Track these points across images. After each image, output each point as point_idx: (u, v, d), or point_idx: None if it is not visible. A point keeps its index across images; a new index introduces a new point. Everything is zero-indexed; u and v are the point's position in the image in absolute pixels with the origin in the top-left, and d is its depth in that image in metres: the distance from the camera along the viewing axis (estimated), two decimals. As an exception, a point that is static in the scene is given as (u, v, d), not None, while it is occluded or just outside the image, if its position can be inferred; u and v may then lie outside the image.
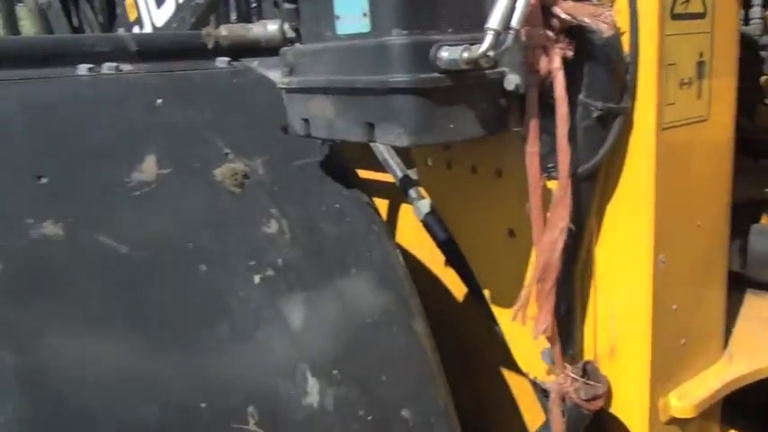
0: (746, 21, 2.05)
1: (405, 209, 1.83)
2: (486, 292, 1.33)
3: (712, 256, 1.25)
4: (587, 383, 1.14)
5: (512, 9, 0.97)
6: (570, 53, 1.06)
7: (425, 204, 1.50)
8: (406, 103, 1.00)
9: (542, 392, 1.25)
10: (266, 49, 1.30)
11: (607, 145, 1.09)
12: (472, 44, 0.98)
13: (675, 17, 1.09)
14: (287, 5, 1.17)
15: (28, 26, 3.41)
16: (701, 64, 1.16)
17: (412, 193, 1.54)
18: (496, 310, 1.32)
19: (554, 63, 1.05)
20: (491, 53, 0.97)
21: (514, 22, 0.97)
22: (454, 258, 1.44)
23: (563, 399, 1.16)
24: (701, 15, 1.14)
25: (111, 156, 1.09)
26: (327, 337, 1.08)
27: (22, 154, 1.03)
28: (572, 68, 1.06)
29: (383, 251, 1.21)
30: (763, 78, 1.88)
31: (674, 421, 1.21)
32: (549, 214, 1.08)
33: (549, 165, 1.11)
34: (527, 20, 1.02)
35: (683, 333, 1.20)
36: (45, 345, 0.86)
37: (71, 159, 1.06)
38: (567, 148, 1.04)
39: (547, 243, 1.05)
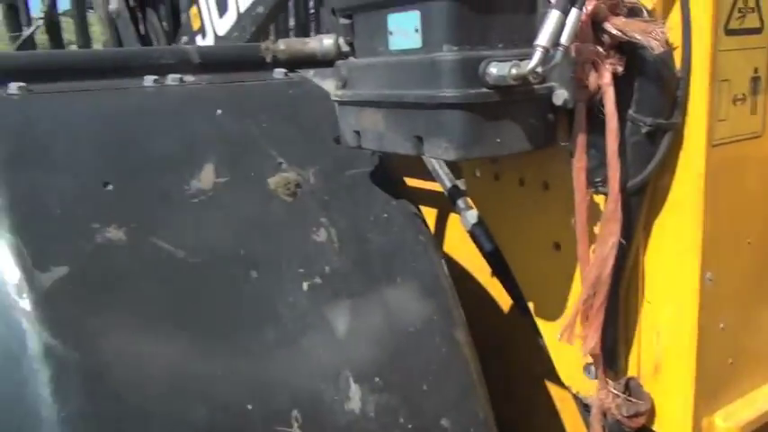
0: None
1: (454, 218, 1.85)
2: (531, 305, 1.34)
3: (763, 274, 1.23)
4: (629, 400, 1.13)
5: (561, 26, 0.98)
6: (621, 68, 1.06)
7: (473, 215, 1.51)
8: (454, 118, 1.02)
9: (584, 407, 1.25)
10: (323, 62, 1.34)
11: (656, 160, 1.09)
12: (521, 60, 0.99)
13: (730, 32, 1.08)
14: (343, 20, 1.21)
15: (98, 32, 3.56)
16: (755, 79, 1.14)
17: (460, 203, 1.55)
18: (540, 323, 1.32)
19: (604, 78, 1.06)
20: (539, 69, 0.98)
21: (564, 39, 0.98)
22: (500, 270, 1.45)
23: (604, 414, 1.16)
24: (757, 30, 1.13)
25: (172, 164, 1.14)
26: (371, 345, 1.11)
27: (91, 162, 1.10)
28: (622, 83, 1.07)
29: (428, 261, 1.24)
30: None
31: (718, 442, 1.19)
32: (599, 229, 1.08)
33: (597, 179, 1.11)
34: (577, 36, 1.03)
35: (730, 352, 1.18)
36: (106, 344, 0.92)
37: (135, 167, 1.12)
38: (617, 164, 1.04)
39: (598, 259, 1.06)
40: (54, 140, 1.10)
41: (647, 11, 1.07)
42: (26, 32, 3.28)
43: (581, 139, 1.07)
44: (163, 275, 1.01)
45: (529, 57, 0.98)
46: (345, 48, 1.23)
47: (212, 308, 1.02)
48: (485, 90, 1.01)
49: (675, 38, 1.06)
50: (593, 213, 1.12)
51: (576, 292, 1.18)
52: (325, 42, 1.25)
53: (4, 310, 0.89)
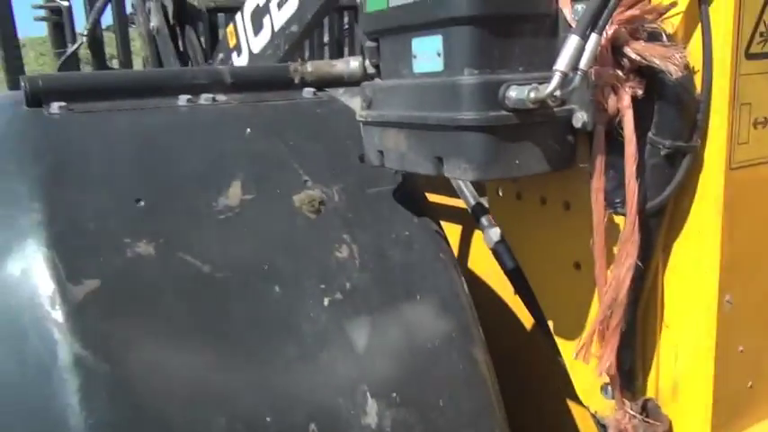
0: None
1: (478, 235, 1.86)
2: (550, 323, 1.35)
3: (785, 298, 1.22)
4: (646, 421, 1.13)
5: (580, 51, 1.00)
6: (640, 92, 1.07)
7: (496, 233, 1.53)
8: (473, 140, 1.05)
9: (602, 427, 1.25)
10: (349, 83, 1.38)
11: (675, 183, 1.10)
12: (541, 83, 1.01)
13: (751, 57, 1.08)
14: (369, 44, 1.25)
15: (139, 47, 3.66)
16: (777, 103, 1.14)
17: (484, 220, 1.57)
18: (560, 342, 1.33)
19: (623, 102, 1.07)
20: (558, 93, 1.00)
21: (582, 64, 1.00)
22: (521, 288, 1.46)
23: (622, 435, 1.16)
24: (780, 54, 1.13)
25: (201, 181, 1.19)
26: (389, 361, 1.13)
27: (125, 179, 1.15)
28: (642, 106, 1.08)
29: (448, 279, 1.26)
30: None
31: (738, 467, 1.18)
32: (616, 250, 1.09)
33: (616, 200, 1.12)
34: (596, 60, 1.05)
35: (750, 376, 1.17)
36: (133, 355, 0.96)
37: (166, 184, 1.17)
38: (635, 186, 1.05)
39: (614, 280, 1.07)
40: (90, 158, 1.15)
41: (667, 35, 1.08)
42: (70, 49, 3.40)
43: (599, 161, 1.08)
44: (189, 289, 1.05)
45: (548, 80, 1.00)
46: (371, 70, 1.26)
47: (235, 321, 1.06)
48: (504, 113, 1.03)
49: (696, 61, 1.07)
50: (612, 234, 1.13)
51: (596, 311, 1.19)
52: (351, 64, 1.29)
53: (37, 320, 0.94)
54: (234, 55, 2.50)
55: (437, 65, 1.08)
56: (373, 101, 1.23)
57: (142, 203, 1.11)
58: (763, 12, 1.08)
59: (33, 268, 0.97)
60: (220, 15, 3.39)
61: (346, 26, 4.11)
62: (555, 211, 1.29)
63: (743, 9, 1.05)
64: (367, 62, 1.26)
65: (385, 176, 1.33)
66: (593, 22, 0.99)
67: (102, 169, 1.14)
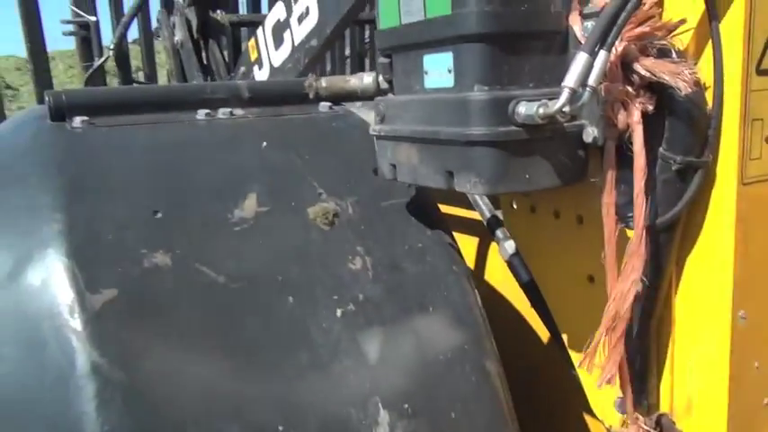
0: None
1: (494, 247, 1.87)
2: (564, 336, 1.35)
3: (801, 313, 1.21)
4: (659, 437, 1.13)
5: (589, 68, 1.01)
6: (651, 107, 1.08)
7: (511, 245, 1.54)
8: (483, 154, 1.06)
9: (615, 441, 1.25)
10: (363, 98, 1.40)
11: (686, 198, 1.10)
12: (550, 99, 1.03)
13: (762, 73, 1.09)
14: (382, 59, 1.27)
15: (164, 60, 3.74)
16: (790, 119, 1.14)
17: (499, 233, 1.58)
18: (573, 355, 1.33)
19: (632, 117, 1.08)
20: (566, 109, 1.01)
21: (591, 81, 1.01)
22: (535, 300, 1.46)
23: (634, 449, 1.16)
24: (794, 70, 1.13)
25: (217, 193, 1.21)
26: (401, 372, 1.14)
27: (143, 191, 1.18)
28: (653, 121, 1.08)
29: (461, 292, 1.27)
30: None
31: (754, 485, 1.18)
32: (623, 265, 1.09)
33: (628, 214, 1.13)
34: (606, 76, 1.06)
35: (766, 392, 1.16)
36: (148, 363, 0.99)
37: (184, 196, 1.20)
38: (643, 202, 1.05)
39: (617, 293, 1.07)
40: (110, 170, 1.19)
41: (678, 51, 1.09)
42: (96, 63, 3.48)
43: (610, 176, 1.09)
44: (204, 299, 1.07)
45: (558, 96, 1.01)
46: (384, 85, 1.28)
47: (249, 331, 1.08)
48: (514, 128, 1.04)
49: (707, 77, 1.08)
50: (624, 248, 1.13)
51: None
52: (365, 80, 1.31)
53: (56, 328, 0.97)
54: (255, 68, 2.54)
55: (448, 81, 1.09)
56: (386, 115, 1.25)
57: (159, 215, 1.14)
58: (773, 28, 1.09)
59: (53, 277, 1.00)
60: (243, 30, 3.45)
61: (367, 39, 4.16)
62: (568, 225, 1.29)
63: (753, 25, 1.05)
64: (380, 77, 1.28)
65: (399, 189, 1.34)
66: (601, 39, 1.00)
67: (122, 181, 1.17)
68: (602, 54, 1.01)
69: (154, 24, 3.87)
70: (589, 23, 1.08)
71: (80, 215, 1.09)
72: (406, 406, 1.12)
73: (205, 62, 3.23)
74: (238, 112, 1.43)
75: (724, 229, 1.09)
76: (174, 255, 1.09)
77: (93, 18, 3.57)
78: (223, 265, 1.11)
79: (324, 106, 1.52)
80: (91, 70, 3.47)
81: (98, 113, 1.30)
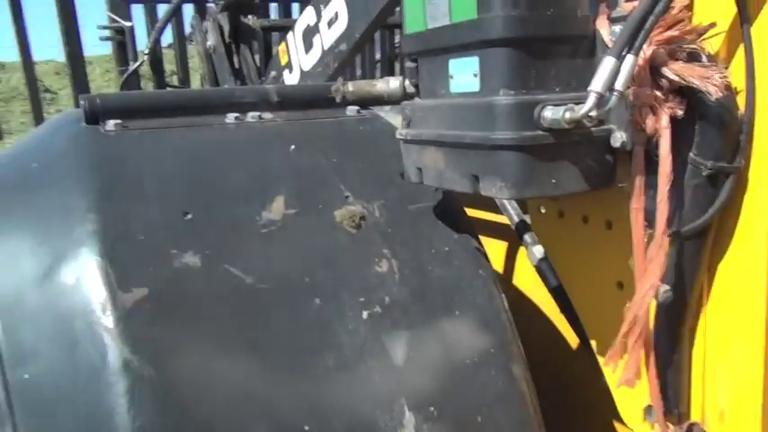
0: None
1: (523, 251, 1.86)
2: (593, 343, 1.34)
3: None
4: (690, 445, 1.12)
5: (616, 72, 1.00)
6: (680, 112, 1.07)
7: (539, 250, 1.53)
8: (508, 159, 1.06)
9: (644, 449, 1.24)
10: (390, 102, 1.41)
11: (717, 204, 1.09)
12: (577, 104, 1.02)
13: (795, 76, 1.07)
14: (409, 64, 1.28)
15: (197, 64, 3.80)
16: (826, 123, 1.11)
17: (527, 237, 1.58)
18: (602, 361, 1.32)
19: (660, 122, 1.07)
20: (593, 114, 1.00)
21: (618, 85, 1.00)
22: (564, 306, 1.46)
23: (663, 458, 1.14)
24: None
25: (246, 196, 1.23)
26: (427, 375, 1.15)
27: (174, 192, 1.20)
28: (683, 126, 1.07)
29: (488, 295, 1.26)
30: None
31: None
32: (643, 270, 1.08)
33: (657, 220, 1.12)
34: (634, 80, 1.05)
35: (800, 402, 1.14)
36: (177, 361, 1.01)
37: (213, 198, 1.22)
38: (666, 207, 1.04)
39: (636, 298, 1.06)
40: (142, 172, 1.21)
41: (708, 55, 1.08)
42: (131, 67, 3.55)
43: (638, 181, 1.08)
44: (232, 299, 1.09)
45: (585, 101, 1.01)
46: (411, 89, 1.29)
47: (276, 332, 1.09)
48: (540, 132, 1.04)
49: (739, 82, 1.06)
50: (653, 254, 1.12)
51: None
52: (392, 84, 1.32)
53: (88, 325, 0.99)
54: (285, 72, 2.57)
55: (474, 85, 1.10)
56: (412, 119, 1.25)
57: (189, 216, 1.16)
58: (807, 31, 1.07)
59: (86, 276, 1.03)
60: (274, 34, 3.49)
61: (397, 44, 4.17)
62: (597, 230, 1.28)
63: (786, 28, 1.04)
64: (407, 82, 1.29)
65: (426, 193, 1.35)
66: (629, 44, 1.00)
67: (153, 183, 1.20)
68: (629, 58, 1.00)
69: (187, 30, 3.94)
70: (617, 27, 1.07)
71: (113, 215, 1.11)
72: (432, 409, 1.12)
73: (237, 66, 3.29)
74: (267, 115, 1.45)
75: (756, 235, 1.07)
76: (204, 255, 1.11)
77: (128, 24, 3.65)
78: (251, 266, 1.13)
79: (351, 110, 1.54)
80: (126, 74, 3.55)
81: (131, 117, 1.33)
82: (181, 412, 0.98)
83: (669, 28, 1.08)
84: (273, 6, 4.36)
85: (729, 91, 1.06)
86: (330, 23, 2.21)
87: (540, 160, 1.06)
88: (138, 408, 0.95)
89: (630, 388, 1.12)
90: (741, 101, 1.07)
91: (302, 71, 2.45)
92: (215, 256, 1.12)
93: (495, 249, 1.94)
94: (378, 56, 4.31)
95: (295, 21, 2.51)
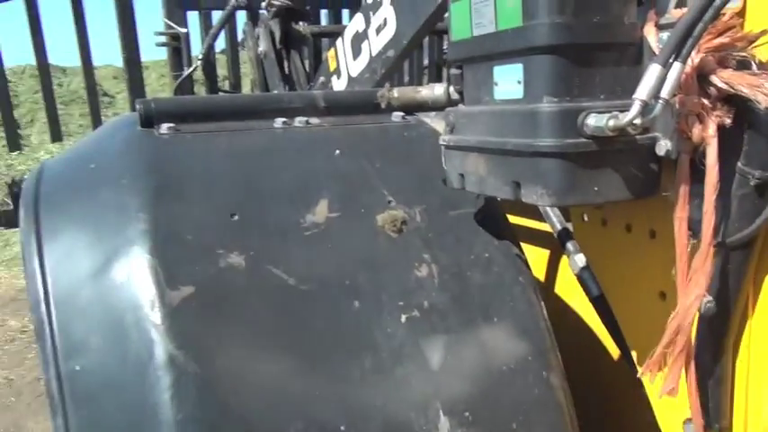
0: None
1: (565, 260, 1.85)
2: (634, 354, 1.32)
3: None
4: (728, 461, 1.09)
5: (662, 80, 0.99)
6: (728, 121, 1.05)
7: (581, 258, 1.52)
8: (550, 166, 1.06)
9: (683, 463, 1.22)
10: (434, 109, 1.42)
11: (764, 215, 1.06)
12: (621, 111, 1.02)
13: None
14: (453, 71, 1.29)
15: (248, 69, 3.89)
16: None
17: (569, 246, 1.56)
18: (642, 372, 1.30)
19: (707, 131, 1.05)
20: (637, 122, 1.00)
21: (664, 93, 0.99)
22: (605, 315, 1.44)
23: (703, 473, 1.12)
24: None
25: (291, 199, 1.26)
26: (463, 380, 1.15)
27: (222, 194, 1.24)
28: (731, 135, 1.05)
29: (527, 302, 1.26)
30: None
31: None
32: (688, 280, 1.07)
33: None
34: (681, 88, 1.04)
35: None
36: (219, 358, 1.04)
37: (259, 201, 1.25)
38: (712, 217, 1.03)
39: (681, 308, 1.05)
40: (193, 174, 1.25)
41: (759, 63, 1.06)
42: (185, 72, 3.66)
43: (683, 190, 1.07)
44: (274, 300, 1.12)
45: (629, 108, 1.00)
46: (455, 96, 1.30)
47: (316, 333, 1.11)
48: (583, 140, 1.04)
49: (792, 90, 1.04)
50: (698, 265, 1.10)
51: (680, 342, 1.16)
52: (436, 90, 1.34)
53: (137, 321, 1.04)
54: (334, 78, 2.61)
55: (517, 92, 1.10)
56: (456, 126, 1.26)
57: (236, 218, 1.19)
58: None
59: (137, 273, 1.07)
60: (324, 40, 3.54)
61: (445, 50, 4.18)
62: (640, 239, 1.27)
63: (840, 36, 1.01)
64: (451, 88, 1.30)
65: (467, 199, 1.36)
66: (676, 51, 0.99)
67: (203, 185, 1.24)
68: (676, 66, 0.99)
69: (240, 36, 4.02)
70: (665, 35, 1.06)
71: (163, 215, 1.16)
72: (467, 414, 1.13)
73: (287, 72, 3.34)
74: (314, 120, 1.48)
75: (805, 247, 1.05)
76: (248, 256, 1.14)
77: (183, 30, 3.76)
78: (293, 267, 1.16)
79: (396, 116, 1.55)
80: (180, 79, 3.65)
81: (184, 121, 1.37)
82: (221, 408, 1.01)
83: (719, 35, 1.06)
84: (324, 13, 4.42)
85: (780, 100, 1.03)
86: (378, 30, 2.24)
87: (583, 168, 1.05)
88: (180, 402, 0.98)
89: (672, 397, 1.10)
90: (792, 110, 1.04)
91: (350, 77, 2.47)
92: (259, 257, 1.15)
93: (538, 257, 1.93)
94: (426, 62, 4.33)
95: (345, 27, 2.54)
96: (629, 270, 1.31)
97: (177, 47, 3.79)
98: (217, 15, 3.90)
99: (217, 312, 1.08)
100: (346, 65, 2.50)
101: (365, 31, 2.32)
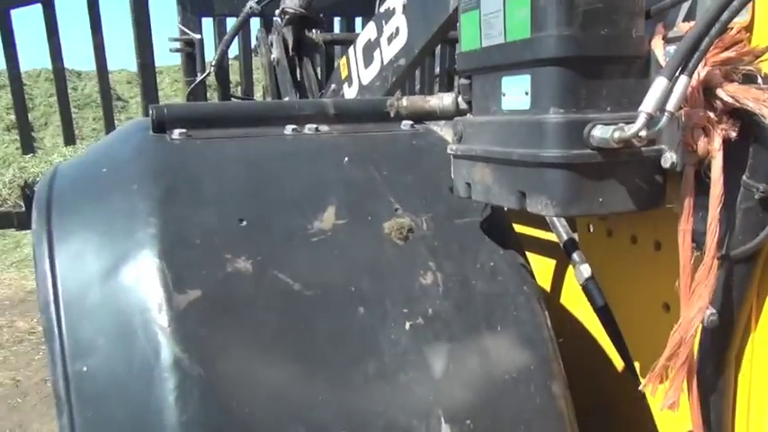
0: None
1: (571, 270, 1.85)
2: (636, 365, 1.32)
3: None
4: (730, 476, 1.09)
5: (668, 93, 1.00)
6: (734, 134, 1.06)
7: (587, 269, 1.52)
8: (556, 176, 1.07)
9: (685, 477, 1.22)
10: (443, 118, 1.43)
11: (769, 229, 1.07)
12: (627, 123, 1.02)
13: None
14: (462, 81, 1.30)
15: (261, 75, 3.92)
16: None
17: (575, 256, 1.56)
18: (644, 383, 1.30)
19: (713, 144, 1.06)
20: (643, 134, 1.00)
21: (670, 106, 1.00)
22: (609, 326, 1.44)
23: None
24: None
25: (299, 205, 1.27)
26: (465, 388, 1.16)
27: (231, 200, 1.25)
28: (736, 148, 1.06)
29: (530, 312, 1.27)
30: None
31: None
32: (692, 292, 1.07)
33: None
34: (687, 101, 1.05)
35: None
36: (224, 362, 1.05)
37: (267, 206, 1.26)
38: (716, 230, 1.03)
39: (683, 320, 1.05)
40: (202, 180, 1.27)
41: (765, 77, 1.06)
42: (198, 78, 3.69)
43: (688, 203, 1.07)
44: (280, 305, 1.13)
45: (635, 120, 1.01)
46: (463, 105, 1.31)
47: (320, 338, 1.12)
48: (588, 151, 1.05)
49: (798, 104, 1.04)
50: (701, 277, 1.10)
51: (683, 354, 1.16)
52: (445, 100, 1.34)
53: (144, 323, 1.05)
54: (345, 86, 2.62)
55: (525, 103, 1.11)
56: (464, 135, 1.28)
57: (244, 223, 1.21)
58: None
59: (145, 276, 1.09)
60: (337, 48, 3.57)
61: (457, 59, 4.19)
62: (645, 251, 1.27)
63: None
64: (460, 98, 1.31)
65: (473, 208, 1.36)
66: (682, 65, 1.00)
67: (212, 190, 1.25)
68: (682, 79, 1.00)
69: (253, 43, 4.05)
70: (672, 48, 1.07)
71: (173, 220, 1.17)
72: (469, 422, 1.13)
73: (299, 78, 3.36)
74: (324, 128, 1.49)
75: (809, 262, 1.05)
76: (255, 261, 1.15)
77: (197, 36, 3.80)
78: (300, 273, 1.17)
79: (405, 124, 1.56)
80: (192, 85, 3.68)
81: (195, 126, 1.39)
82: (224, 411, 1.02)
83: (726, 49, 1.07)
84: (337, 20, 4.45)
85: (785, 114, 1.04)
86: (390, 38, 2.25)
87: (588, 179, 1.06)
88: (185, 404, 1.00)
89: (674, 411, 1.10)
90: (797, 125, 1.05)
91: (361, 84, 2.49)
92: (266, 262, 1.16)
93: (543, 266, 1.93)
94: (437, 70, 4.35)
95: (357, 35, 2.56)
96: (633, 281, 1.32)
97: (191, 52, 3.83)
98: (231, 22, 3.94)
99: (223, 316, 1.09)
100: (358, 73, 2.52)
101: (377, 39, 2.34)
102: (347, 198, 1.31)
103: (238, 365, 1.06)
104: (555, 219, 1.63)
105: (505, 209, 1.37)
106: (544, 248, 1.88)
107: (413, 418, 1.11)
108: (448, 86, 4.26)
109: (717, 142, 1.05)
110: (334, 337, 1.13)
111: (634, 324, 1.34)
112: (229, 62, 4.15)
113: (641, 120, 0.99)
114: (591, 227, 1.41)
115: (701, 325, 1.07)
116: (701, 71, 1.05)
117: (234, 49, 4.21)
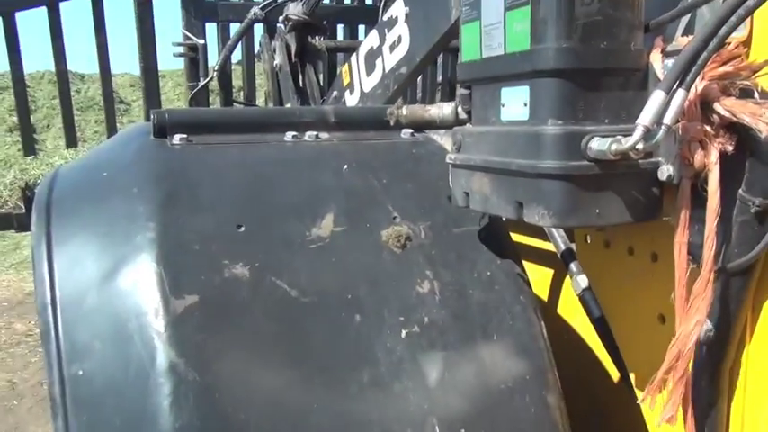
0: None
1: (568, 280, 1.85)
2: (632, 376, 1.32)
3: None
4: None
5: (665, 106, 1.01)
6: (730, 148, 1.07)
7: (584, 279, 1.53)
8: (553, 187, 1.07)
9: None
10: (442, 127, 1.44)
11: (764, 242, 1.07)
12: (625, 136, 1.03)
13: None
14: (462, 91, 1.31)
15: (264, 81, 3.93)
16: None
17: (573, 266, 1.57)
18: (640, 395, 1.30)
19: (709, 157, 1.06)
20: (640, 147, 1.01)
21: (667, 119, 1.01)
22: (605, 337, 1.45)
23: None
24: None
25: (297, 212, 1.28)
26: (460, 397, 1.16)
27: (230, 206, 1.26)
28: (733, 162, 1.07)
29: (527, 321, 1.27)
30: None
31: None
32: (689, 305, 1.07)
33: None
34: (684, 114, 1.05)
35: None
36: (220, 367, 1.05)
37: (266, 213, 1.27)
38: (713, 243, 1.04)
39: (681, 334, 1.05)
40: (202, 185, 1.28)
41: (762, 92, 1.07)
42: (201, 83, 3.71)
43: (684, 215, 1.08)
44: (276, 311, 1.13)
45: (632, 133, 1.01)
46: (463, 115, 1.31)
47: (316, 345, 1.13)
48: (586, 163, 1.05)
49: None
50: (696, 290, 1.11)
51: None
52: (445, 110, 1.35)
53: (141, 327, 1.05)
54: (347, 93, 2.63)
55: (523, 114, 1.12)
56: (462, 145, 1.28)
57: (243, 229, 1.21)
58: None
59: (143, 281, 1.09)
60: (339, 55, 3.58)
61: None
62: (642, 262, 1.28)
63: (843, 68, 1.02)
64: (459, 108, 1.32)
65: (472, 217, 1.37)
66: (680, 78, 1.00)
67: (211, 195, 1.26)
68: (679, 93, 1.01)
69: (256, 48, 4.07)
70: (670, 61, 1.08)
71: (171, 225, 1.18)
72: (463, 430, 1.13)
73: (301, 85, 3.38)
74: (324, 135, 1.50)
75: (805, 276, 1.05)
76: (253, 267, 1.16)
77: (201, 41, 3.81)
78: (297, 279, 1.17)
79: (405, 133, 1.57)
80: (195, 90, 3.70)
81: (196, 132, 1.40)
82: (220, 416, 1.02)
83: (724, 63, 1.08)
84: (340, 28, 4.47)
85: (781, 129, 1.04)
86: (393, 47, 2.27)
87: (585, 190, 1.07)
88: (180, 409, 1.00)
89: (671, 425, 1.11)
90: (794, 139, 1.05)
91: (362, 92, 2.50)
92: (263, 269, 1.16)
93: (540, 276, 1.94)
94: (439, 79, 4.36)
95: (360, 43, 2.57)
96: (630, 292, 1.32)
97: (194, 57, 3.85)
98: (234, 28, 3.96)
99: (219, 322, 1.09)
100: (360, 80, 2.53)
101: (379, 47, 2.35)
102: (346, 205, 1.31)
103: (234, 371, 1.06)
104: (553, 229, 1.64)
105: (503, 219, 1.38)
106: (541, 258, 1.88)
107: (407, 427, 1.11)
108: (450, 95, 4.28)
109: (713, 156, 1.06)
110: (330, 344, 1.13)
111: (630, 335, 1.34)
112: (232, 67, 4.17)
113: (638, 132, 1.00)
114: (588, 238, 1.42)
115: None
116: (699, 85, 1.06)
117: (237, 55, 4.24)
